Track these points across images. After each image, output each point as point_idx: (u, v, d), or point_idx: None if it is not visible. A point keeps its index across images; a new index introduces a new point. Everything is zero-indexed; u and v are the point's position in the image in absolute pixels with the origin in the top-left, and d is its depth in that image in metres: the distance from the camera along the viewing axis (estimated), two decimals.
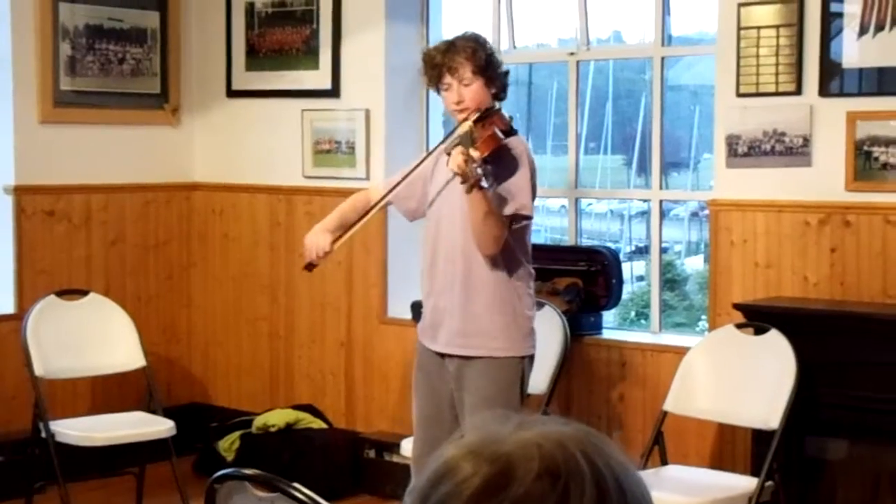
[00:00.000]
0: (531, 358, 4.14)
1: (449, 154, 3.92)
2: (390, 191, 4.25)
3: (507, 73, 4.20)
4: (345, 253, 6.03)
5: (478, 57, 4.07)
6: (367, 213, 4.24)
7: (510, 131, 4.02)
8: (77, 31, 6.20)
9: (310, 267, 4.24)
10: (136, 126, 6.48)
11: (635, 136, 10.99)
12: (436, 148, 4.16)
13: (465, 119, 4.04)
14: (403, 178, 4.22)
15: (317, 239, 4.19)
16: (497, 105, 4.15)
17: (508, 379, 4.06)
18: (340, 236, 4.20)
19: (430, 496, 1.09)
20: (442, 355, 4.15)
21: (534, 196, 4.07)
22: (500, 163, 3.94)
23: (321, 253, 4.16)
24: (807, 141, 4.94)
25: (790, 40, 4.96)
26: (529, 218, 4.06)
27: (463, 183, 3.75)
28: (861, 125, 4.81)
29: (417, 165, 4.21)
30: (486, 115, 4.01)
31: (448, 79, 4.09)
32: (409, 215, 4.37)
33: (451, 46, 4.11)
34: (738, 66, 5.07)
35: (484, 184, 3.75)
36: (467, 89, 4.07)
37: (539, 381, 4.66)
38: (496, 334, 4.05)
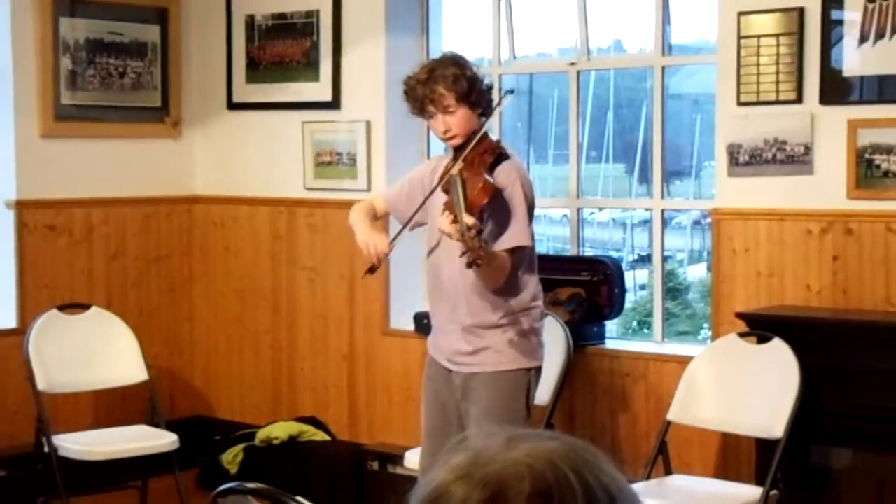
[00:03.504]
0: (538, 370, 4.13)
1: (446, 192, 3.85)
2: (412, 217, 4.17)
3: (490, 88, 4.14)
4: (347, 264, 6.03)
5: (459, 85, 4.00)
6: (405, 225, 4.18)
7: (500, 157, 3.99)
8: (77, 45, 6.20)
9: (372, 270, 4.08)
10: (136, 139, 6.49)
11: (636, 144, 10.98)
12: (434, 189, 4.04)
13: (454, 146, 4.02)
14: (413, 216, 4.14)
15: (373, 238, 4.04)
16: (485, 125, 4.09)
17: (514, 391, 4.05)
18: (395, 238, 4.09)
19: None
20: (449, 368, 4.15)
21: (531, 216, 4.04)
22: (495, 202, 3.90)
23: (382, 255, 4.04)
24: (808, 149, 4.94)
25: (790, 49, 4.96)
26: (529, 245, 4.03)
27: (462, 255, 3.63)
28: (862, 133, 4.81)
29: (419, 208, 4.11)
30: (474, 150, 3.95)
31: (432, 109, 4.04)
32: (410, 227, 4.36)
33: (430, 75, 4.03)
34: (739, 74, 5.07)
35: (481, 262, 3.62)
36: (452, 117, 4.02)
37: (542, 391, 4.65)
38: (501, 348, 4.04)
